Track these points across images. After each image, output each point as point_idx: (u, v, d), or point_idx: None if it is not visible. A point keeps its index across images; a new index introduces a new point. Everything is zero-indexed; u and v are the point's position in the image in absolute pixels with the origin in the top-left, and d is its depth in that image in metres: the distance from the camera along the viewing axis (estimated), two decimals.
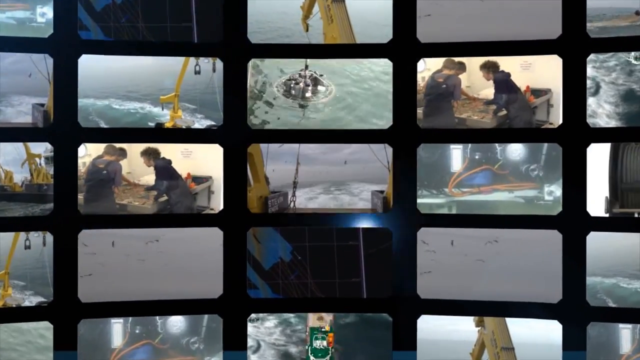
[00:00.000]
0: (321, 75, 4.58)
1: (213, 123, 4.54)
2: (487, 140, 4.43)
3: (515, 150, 4.46)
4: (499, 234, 4.34)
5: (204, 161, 4.57)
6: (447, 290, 4.40)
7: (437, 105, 4.46)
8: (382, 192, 4.56)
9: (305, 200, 4.65)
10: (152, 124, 4.56)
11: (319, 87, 4.58)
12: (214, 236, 4.50)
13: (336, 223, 4.53)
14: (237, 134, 4.49)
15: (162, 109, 4.55)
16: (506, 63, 4.45)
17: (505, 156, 4.47)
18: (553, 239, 4.28)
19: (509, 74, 4.44)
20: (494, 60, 4.41)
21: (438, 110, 4.45)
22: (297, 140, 4.54)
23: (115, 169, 4.56)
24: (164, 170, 4.59)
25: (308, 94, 4.55)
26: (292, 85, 4.56)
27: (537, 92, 4.42)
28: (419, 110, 4.44)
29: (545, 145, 4.36)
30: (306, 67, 4.56)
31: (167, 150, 4.59)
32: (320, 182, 4.65)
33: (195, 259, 4.48)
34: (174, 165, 4.61)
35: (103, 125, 4.50)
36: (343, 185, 4.63)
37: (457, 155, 4.49)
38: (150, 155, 4.56)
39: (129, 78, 4.50)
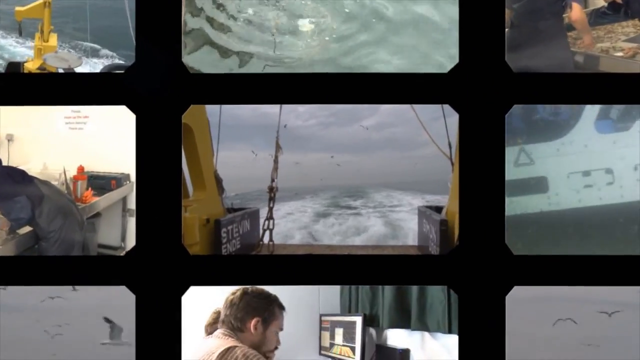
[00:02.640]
0: None
1: (120, 62, 3.49)
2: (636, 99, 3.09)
3: None
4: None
5: (114, 140, 3.16)
6: None
7: (534, 25, 3.20)
8: (439, 209, 3.36)
9: (290, 225, 3.12)
10: None
11: (299, 22, 3.63)
12: (122, 302, 3.04)
13: (351, 279, 3.09)
14: (161, 85, 2.93)
15: (20, 35, 3.25)
16: None
17: None
18: None
19: None
20: None
21: (540, 37, 3.17)
22: (275, 97, 2.91)
23: None
24: (5, 179, 3.14)
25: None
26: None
27: None
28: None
29: None
30: None
31: (25, 116, 3.05)
32: (321, 189, 3.25)
33: (90, 345, 3.25)
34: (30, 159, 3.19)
35: None
36: (364, 193, 3.09)
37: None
38: None
39: None
